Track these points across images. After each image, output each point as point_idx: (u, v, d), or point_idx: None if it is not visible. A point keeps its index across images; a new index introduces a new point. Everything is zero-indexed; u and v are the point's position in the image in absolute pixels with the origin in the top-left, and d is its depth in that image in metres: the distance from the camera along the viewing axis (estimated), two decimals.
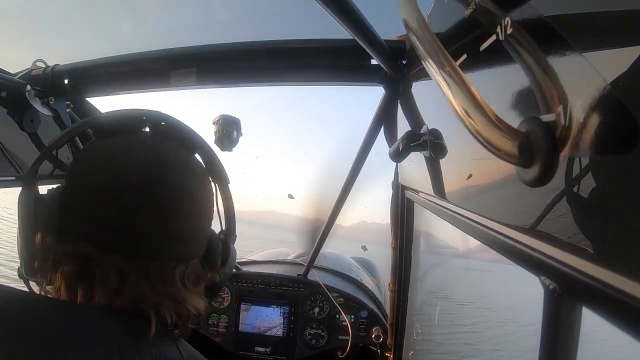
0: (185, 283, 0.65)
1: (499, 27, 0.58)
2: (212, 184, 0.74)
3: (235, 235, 0.80)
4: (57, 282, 0.60)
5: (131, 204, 0.59)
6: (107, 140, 0.65)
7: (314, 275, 2.65)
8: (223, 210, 0.77)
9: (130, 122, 0.67)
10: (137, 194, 0.59)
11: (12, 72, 1.44)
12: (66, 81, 1.55)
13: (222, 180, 0.76)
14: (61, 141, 0.73)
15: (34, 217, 0.63)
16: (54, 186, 0.63)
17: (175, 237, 0.63)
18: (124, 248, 0.59)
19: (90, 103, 1.71)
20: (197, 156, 0.73)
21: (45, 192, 0.64)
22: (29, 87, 1.34)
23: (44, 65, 1.52)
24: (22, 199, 0.64)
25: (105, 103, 1.77)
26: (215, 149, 1.26)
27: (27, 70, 1.49)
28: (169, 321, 0.61)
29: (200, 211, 0.68)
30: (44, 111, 1.40)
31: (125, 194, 0.59)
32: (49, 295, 0.63)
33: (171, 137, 0.68)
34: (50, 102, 1.42)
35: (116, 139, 0.65)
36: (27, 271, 0.65)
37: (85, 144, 0.69)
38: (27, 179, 0.66)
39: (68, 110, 1.51)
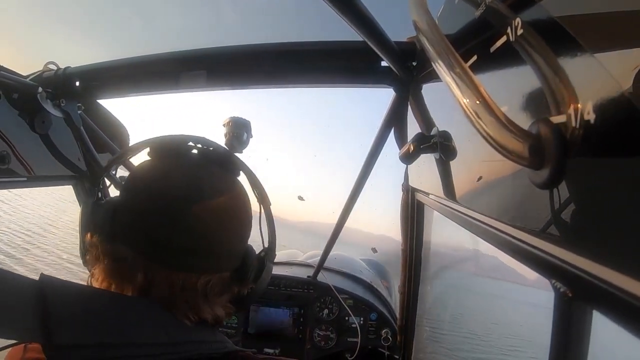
0: (207, 293, 0.71)
1: (509, 28, 0.58)
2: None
3: (275, 254, 0.86)
4: (97, 275, 0.69)
5: (165, 220, 0.66)
6: (157, 161, 0.75)
7: (324, 277, 2.65)
8: (266, 229, 0.85)
9: (179, 147, 0.76)
10: (171, 212, 0.67)
11: (24, 74, 1.46)
12: (77, 83, 1.57)
13: (264, 202, 0.86)
14: (119, 159, 0.86)
15: (92, 220, 0.72)
16: (114, 196, 0.75)
17: (203, 253, 0.69)
18: (153, 256, 0.67)
19: (101, 105, 1.73)
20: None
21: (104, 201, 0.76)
22: (40, 89, 1.35)
23: (55, 68, 1.54)
24: (83, 204, 0.76)
25: (116, 105, 1.79)
26: None
27: (38, 73, 1.51)
28: (188, 323, 0.69)
29: (232, 229, 0.74)
30: (56, 113, 1.41)
31: (162, 211, 0.67)
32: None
33: (215, 161, 0.77)
34: (62, 104, 1.44)
35: (165, 160, 0.75)
36: (83, 262, 0.75)
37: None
38: (91, 189, 0.78)
39: (79, 112, 1.53)
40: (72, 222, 9.95)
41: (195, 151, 0.78)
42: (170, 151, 0.76)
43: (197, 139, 0.78)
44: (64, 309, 0.55)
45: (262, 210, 0.86)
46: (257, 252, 0.82)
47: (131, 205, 0.70)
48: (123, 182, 0.75)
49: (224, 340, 0.71)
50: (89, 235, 0.72)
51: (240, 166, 0.82)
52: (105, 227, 0.69)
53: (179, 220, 0.67)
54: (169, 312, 0.66)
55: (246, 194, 0.80)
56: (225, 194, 0.74)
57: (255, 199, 0.87)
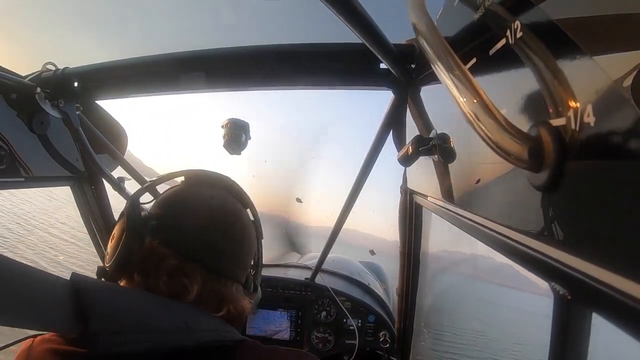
0: (232, 293, 0.85)
1: (508, 31, 0.58)
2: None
3: (260, 276, 1.01)
4: (155, 274, 0.79)
5: (204, 235, 0.83)
6: (193, 187, 0.92)
7: (322, 279, 2.64)
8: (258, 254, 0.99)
9: (210, 181, 0.95)
10: (205, 232, 0.83)
11: (23, 74, 1.46)
12: (76, 84, 1.56)
13: (259, 233, 0.99)
14: (160, 181, 1.00)
15: (138, 231, 0.82)
16: (150, 211, 0.87)
17: (229, 259, 0.86)
18: (192, 258, 0.80)
19: (99, 106, 1.73)
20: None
21: (144, 212, 0.87)
22: (39, 89, 1.35)
23: (54, 68, 1.53)
24: (129, 215, 0.85)
25: (115, 106, 1.78)
26: (224, 152, 1.33)
27: (37, 73, 1.50)
28: (222, 312, 0.83)
29: (248, 250, 0.92)
30: (54, 113, 1.41)
31: (198, 231, 0.83)
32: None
33: (235, 196, 0.95)
34: (60, 105, 1.43)
35: (199, 189, 0.91)
36: (117, 266, 0.82)
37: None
38: (133, 201, 0.89)
39: (78, 112, 1.53)
40: None
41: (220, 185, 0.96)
42: (201, 182, 0.94)
43: (221, 176, 0.97)
44: (96, 301, 0.62)
45: (257, 242, 0.99)
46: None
47: (174, 219, 0.84)
48: (160, 201, 0.89)
49: (234, 331, 0.79)
50: (147, 241, 0.82)
51: (249, 202, 0.98)
52: (156, 235, 0.81)
53: (209, 238, 0.83)
54: (195, 306, 0.77)
55: (252, 223, 0.96)
56: (245, 221, 0.93)
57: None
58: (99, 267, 0.88)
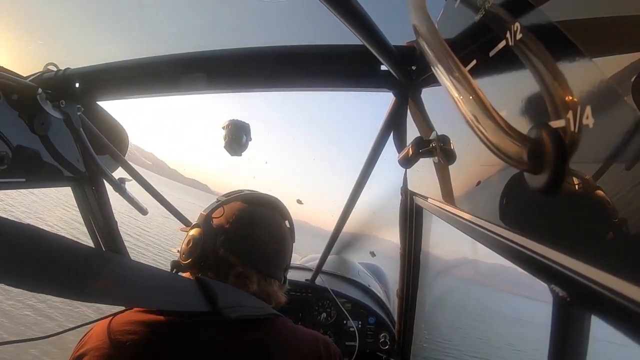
0: (276, 289, 1.15)
1: (508, 33, 0.58)
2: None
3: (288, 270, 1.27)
4: (225, 275, 1.05)
5: (259, 247, 1.11)
6: (252, 207, 1.16)
7: (322, 281, 2.64)
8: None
9: (262, 201, 1.21)
10: (261, 244, 1.12)
11: (24, 75, 1.45)
12: (77, 85, 1.56)
13: (292, 238, 1.26)
14: (227, 200, 1.18)
15: (212, 242, 1.07)
16: (217, 224, 1.11)
17: (278, 268, 1.16)
18: (251, 265, 1.07)
19: (100, 107, 1.73)
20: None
21: (216, 224, 1.11)
22: (40, 90, 1.35)
23: (55, 69, 1.53)
24: (205, 227, 1.10)
25: (116, 107, 1.78)
26: (225, 154, 1.37)
27: (38, 74, 1.50)
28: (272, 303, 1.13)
29: (286, 255, 1.20)
30: (55, 114, 1.41)
31: (257, 242, 1.11)
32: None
33: (279, 212, 1.23)
34: (61, 106, 1.43)
35: (253, 207, 1.16)
36: (193, 265, 1.07)
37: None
38: (207, 216, 1.12)
39: (79, 113, 1.52)
40: None
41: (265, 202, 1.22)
42: (256, 202, 1.19)
43: (270, 196, 1.24)
44: (217, 292, 0.91)
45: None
46: None
47: (238, 233, 1.09)
48: (227, 217, 1.12)
49: (274, 310, 1.04)
50: (209, 247, 1.07)
51: (289, 215, 1.25)
52: (226, 246, 1.07)
53: (265, 248, 1.12)
54: (254, 296, 1.05)
55: (290, 234, 1.24)
56: (286, 232, 1.21)
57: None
58: (173, 261, 1.11)
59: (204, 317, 0.90)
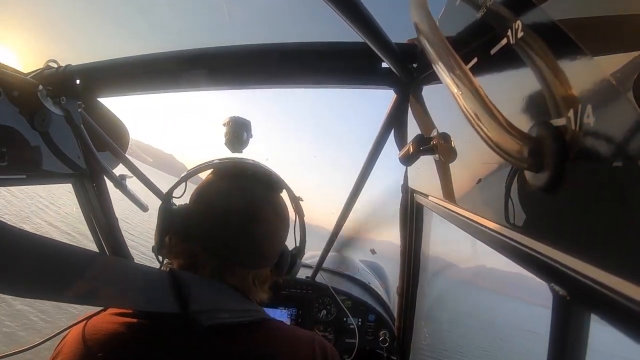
0: (255, 282, 0.97)
1: (510, 31, 0.58)
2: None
3: (304, 253, 1.13)
4: (202, 271, 0.90)
5: (229, 228, 0.91)
6: (223, 180, 0.97)
7: (322, 278, 2.64)
8: (299, 234, 1.13)
9: (238, 169, 0.99)
10: (234, 223, 0.91)
11: (25, 72, 1.45)
12: (78, 81, 1.56)
13: (299, 213, 1.12)
14: (191, 174, 1.05)
15: (169, 224, 0.96)
16: (183, 204, 0.98)
17: (254, 253, 0.95)
18: (219, 254, 0.91)
19: (101, 103, 1.72)
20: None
21: (177, 207, 0.98)
22: (41, 87, 1.34)
23: (56, 66, 1.53)
24: (161, 210, 0.98)
25: (117, 103, 1.78)
26: (225, 151, 1.35)
27: (39, 70, 1.50)
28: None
29: (276, 236, 0.99)
30: (56, 111, 1.40)
31: (227, 221, 0.91)
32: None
33: (264, 181, 0.99)
34: (62, 102, 1.42)
35: (227, 180, 0.97)
36: (157, 255, 1.00)
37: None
38: (166, 197, 1.01)
39: (79, 110, 1.52)
40: None
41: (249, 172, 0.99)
42: (231, 173, 0.99)
43: (250, 164, 1.00)
44: (190, 289, 0.79)
45: (297, 219, 1.12)
46: (289, 249, 1.08)
47: (202, 213, 0.93)
48: (193, 195, 0.97)
49: (263, 311, 0.94)
50: (168, 236, 0.96)
51: (283, 185, 1.03)
52: (184, 231, 0.93)
53: (237, 229, 0.91)
54: (242, 294, 0.93)
55: (286, 206, 1.03)
56: (273, 208, 0.98)
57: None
58: (153, 246, 1.01)
59: (178, 320, 0.78)
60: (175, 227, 0.95)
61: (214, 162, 1.02)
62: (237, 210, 0.92)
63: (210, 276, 0.90)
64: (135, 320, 0.80)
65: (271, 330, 0.89)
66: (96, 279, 0.71)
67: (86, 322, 0.84)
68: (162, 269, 1.00)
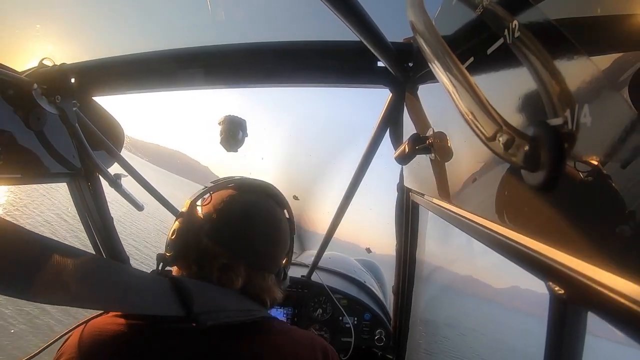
0: (274, 282, 1.07)
1: (506, 30, 0.58)
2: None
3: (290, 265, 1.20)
4: (209, 268, 0.98)
5: (249, 237, 1.01)
6: (241, 195, 1.08)
7: (318, 277, 2.64)
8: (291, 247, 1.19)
9: (254, 188, 1.12)
10: (251, 233, 1.02)
11: (19, 70, 1.44)
12: (73, 80, 1.55)
13: (292, 229, 1.18)
14: (215, 188, 1.11)
15: (196, 232, 1.01)
16: (203, 213, 1.04)
17: (274, 258, 1.07)
18: (239, 256, 0.99)
19: (96, 102, 1.72)
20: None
21: (203, 215, 1.04)
22: (35, 85, 1.34)
23: (50, 64, 1.52)
24: (187, 216, 1.05)
25: (112, 102, 1.77)
26: (221, 150, 1.36)
27: (34, 69, 1.49)
28: (254, 301, 1.01)
29: (283, 246, 1.10)
30: (51, 110, 1.40)
31: (245, 231, 1.01)
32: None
33: (274, 199, 1.13)
34: (57, 101, 1.42)
35: (243, 194, 1.08)
36: (176, 257, 1.03)
37: None
38: (192, 204, 1.06)
39: (74, 109, 1.51)
40: None
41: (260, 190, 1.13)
42: (249, 189, 1.11)
43: (265, 183, 1.15)
44: (192, 292, 0.82)
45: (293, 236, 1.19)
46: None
47: (223, 222, 1.01)
48: (213, 206, 1.04)
49: (264, 313, 0.98)
50: (192, 238, 1.01)
51: (287, 204, 1.17)
52: (210, 235, 0.99)
53: (254, 238, 1.02)
54: (243, 295, 0.99)
55: (287, 222, 1.14)
56: (284, 222, 1.12)
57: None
58: (158, 254, 1.03)
59: (180, 323, 0.84)
60: (204, 231, 1.00)
61: (235, 178, 1.15)
62: (260, 222, 1.04)
63: (219, 272, 0.97)
64: (137, 322, 0.84)
65: (274, 330, 0.93)
66: (99, 284, 0.73)
67: (85, 326, 0.86)
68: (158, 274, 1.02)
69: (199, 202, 1.08)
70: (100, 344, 0.82)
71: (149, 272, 0.95)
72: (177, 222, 1.05)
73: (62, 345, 0.87)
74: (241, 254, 1.00)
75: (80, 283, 0.69)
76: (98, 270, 0.76)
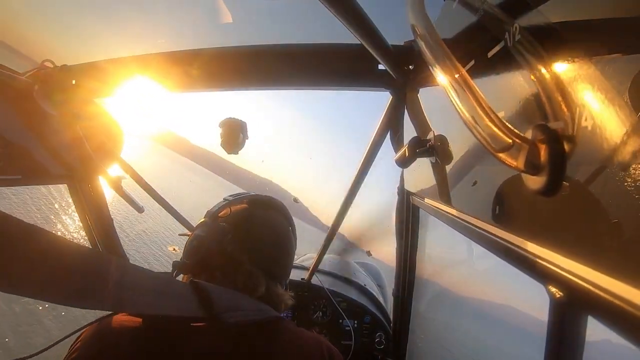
0: (282, 292, 1.11)
1: (507, 34, 0.58)
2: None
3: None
4: (233, 275, 1.02)
5: (266, 248, 1.09)
6: (257, 209, 1.15)
7: (318, 280, 2.64)
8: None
9: (267, 204, 1.19)
10: (270, 246, 1.10)
11: (21, 71, 1.45)
12: (74, 81, 1.55)
13: (295, 243, 1.25)
14: (236, 201, 1.17)
15: (219, 239, 1.05)
16: (225, 224, 1.08)
17: (287, 266, 1.16)
18: (259, 266, 1.04)
19: (97, 103, 1.72)
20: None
21: (221, 221, 1.09)
22: (37, 86, 1.34)
23: (52, 66, 1.52)
24: (210, 225, 1.08)
25: (112, 103, 1.77)
26: (222, 152, 1.37)
27: (35, 70, 1.49)
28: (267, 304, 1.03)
29: (291, 257, 1.18)
30: (52, 111, 1.40)
31: (264, 243, 1.09)
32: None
33: (284, 216, 1.20)
34: (58, 102, 1.42)
35: (261, 211, 1.15)
36: (199, 263, 1.05)
37: None
38: (214, 215, 1.11)
39: (75, 110, 1.52)
40: None
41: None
42: (263, 205, 1.18)
43: (277, 200, 1.23)
44: (212, 293, 0.88)
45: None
46: None
47: (243, 234, 1.06)
48: (233, 217, 1.10)
49: (276, 313, 1.02)
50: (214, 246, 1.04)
51: (291, 219, 1.24)
52: (234, 244, 1.04)
53: (271, 251, 1.10)
54: (258, 299, 1.02)
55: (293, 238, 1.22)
56: (291, 238, 1.19)
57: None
58: (174, 262, 1.07)
59: (199, 323, 0.86)
60: (227, 240, 1.05)
61: (250, 193, 1.24)
62: (275, 235, 1.13)
63: (243, 278, 1.02)
64: (154, 322, 0.87)
65: (284, 329, 0.98)
66: (120, 285, 0.75)
67: (99, 324, 0.89)
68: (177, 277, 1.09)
69: (219, 213, 1.13)
70: (117, 341, 0.84)
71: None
72: (198, 230, 1.09)
73: (74, 342, 0.88)
74: (261, 265, 1.05)
75: (106, 286, 0.72)
76: (120, 273, 0.78)
